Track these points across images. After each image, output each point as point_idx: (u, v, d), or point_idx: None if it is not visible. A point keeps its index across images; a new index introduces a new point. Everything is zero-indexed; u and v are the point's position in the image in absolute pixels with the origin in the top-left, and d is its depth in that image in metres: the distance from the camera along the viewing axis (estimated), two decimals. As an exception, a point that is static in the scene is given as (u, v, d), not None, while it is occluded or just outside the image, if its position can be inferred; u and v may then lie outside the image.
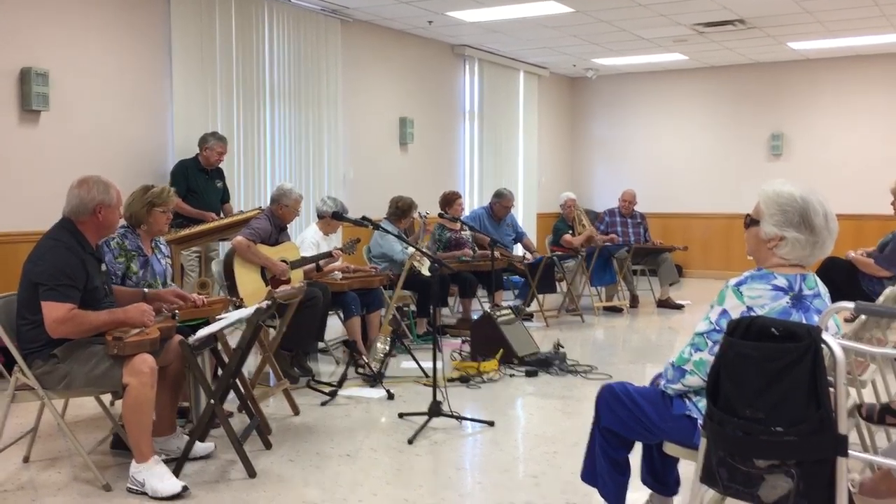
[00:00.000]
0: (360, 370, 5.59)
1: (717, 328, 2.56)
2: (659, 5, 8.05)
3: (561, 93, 12.77)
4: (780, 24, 8.95)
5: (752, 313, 2.50)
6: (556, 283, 8.49)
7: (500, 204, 8.41)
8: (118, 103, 6.47)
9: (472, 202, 10.28)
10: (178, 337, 3.76)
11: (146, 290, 4.03)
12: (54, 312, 3.43)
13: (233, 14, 7.29)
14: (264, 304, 3.94)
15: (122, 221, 4.12)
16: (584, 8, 8.15)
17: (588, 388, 5.33)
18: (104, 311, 3.57)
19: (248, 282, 5.45)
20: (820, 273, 2.87)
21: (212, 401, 3.74)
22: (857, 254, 6.03)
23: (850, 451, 2.17)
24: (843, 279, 5.84)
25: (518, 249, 8.74)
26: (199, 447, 3.87)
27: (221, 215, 6.57)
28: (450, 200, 7.81)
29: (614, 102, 12.70)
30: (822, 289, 2.65)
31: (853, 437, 2.81)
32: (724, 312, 2.57)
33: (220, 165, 6.81)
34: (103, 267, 3.76)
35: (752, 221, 2.68)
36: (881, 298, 4.07)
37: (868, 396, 3.62)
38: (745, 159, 11.60)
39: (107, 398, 4.20)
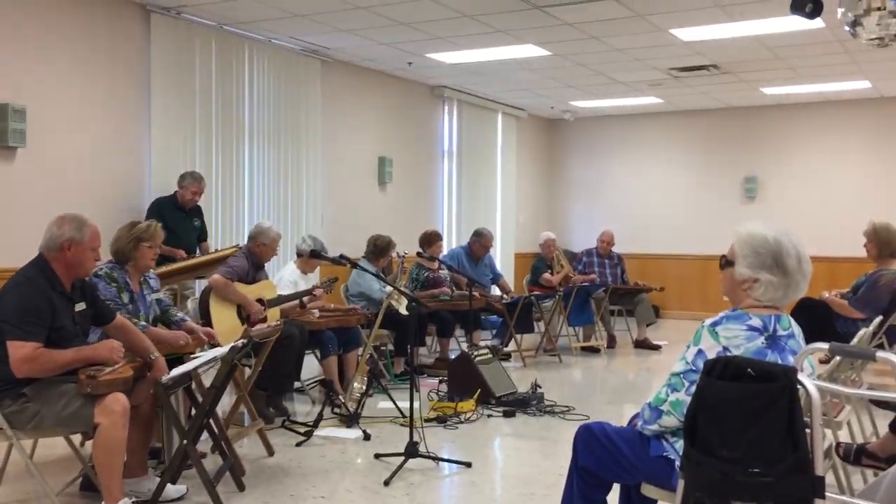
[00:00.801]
0: (337, 410, 5.54)
1: (694, 368, 2.57)
2: (634, 50, 8.20)
3: (539, 134, 12.91)
4: (753, 70, 9.14)
5: (728, 353, 2.51)
6: (534, 323, 8.49)
7: (480, 243, 8.43)
8: (96, 140, 6.46)
9: (451, 241, 10.30)
10: (152, 375, 3.71)
11: (154, 355, 3.87)
12: (19, 351, 3.36)
13: (213, 52, 7.33)
14: (240, 342, 3.91)
15: (108, 258, 4.13)
16: (562, 52, 8.28)
17: (566, 429, 5.31)
18: (71, 349, 3.51)
19: (224, 319, 5.39)
20: (795, 314, 2.89)
21: (184, 441, 3.68)
22: (831, 295, 6.09)
23: (827, 493, 2.17)
24: (818, 320, 5.88)
25: (495, 290, 8.75)
26: (171, 489, 3.79)
27: (198, 253, 6.53)
28: (430, 240, 7.82)
29: (592, 144, 12.85)
30: (797, 329, 2.67)
31: (830, 479, 2.81)
32: (700, 352, 2.58)
33: (199, 203, 6.78)
34: (79, 307, 3.68)
35: (727, 263, 2.71)
36: (855, 340, 4.11)
37: (844, 438, 3.63)
38: (720, 202, 11.75)
39: (77, 438, 4.12)
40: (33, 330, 3.39)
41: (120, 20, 6.60)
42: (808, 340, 2.60)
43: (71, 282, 3.65)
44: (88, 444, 3.93)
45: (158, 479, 3.70)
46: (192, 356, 3.97)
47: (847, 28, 4.93)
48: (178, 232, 6.50)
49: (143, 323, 4.22)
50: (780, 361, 2.51)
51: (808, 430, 2.20)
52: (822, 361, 4.20)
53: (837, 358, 3.60)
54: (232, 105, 7.54)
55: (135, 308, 4.25)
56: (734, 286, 2.68)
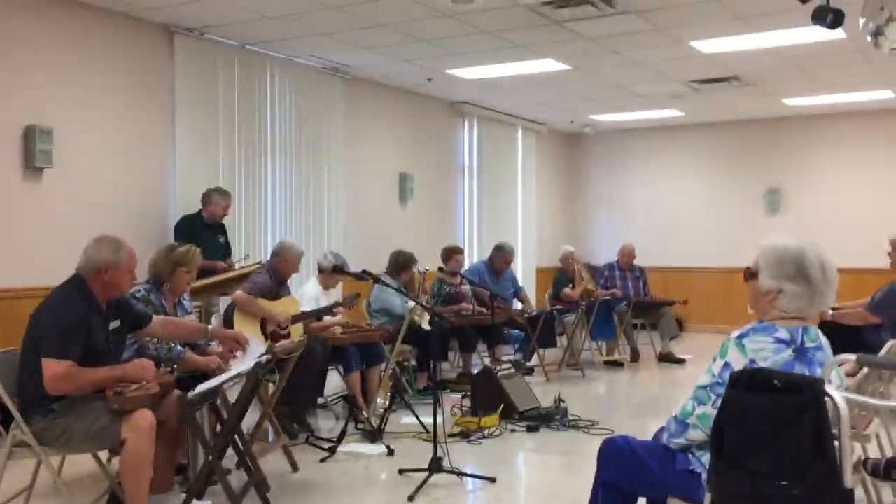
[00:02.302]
0: (360, 425, 5.54)
1: (720, 381, 2.55)
2: (654, 63, 8.19)
3: (559, 148, 12.90)
4: (774, 81, 9.09)
5: (755, 366, 2.49)
6: (557, 338, 8.46)
7: (501, 257, 8.41)
8: (122, 159, 6.54)
9: (472, 256, 10.30)
10: (178, 392, 3.74)
11: (210, 326, 4.11)
12: (53, 369, 3.40)
13: (236, 71, 7.42)
14: (264, 358, 3.93)
15: (145, 277, 4.27)
16: (581, 66, 8.29)
17: (590, 444, 5.27)
18: (104, 368, 3.55)
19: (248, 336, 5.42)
20: (822, 327, 2.87)
21: (210, 457, 3.70)
22: (841, 307, 6.04)
23: (856, 506, 2.15)
24: (846, 333, 5.82)
25: (517, 305, 8.74)
26: (197, 505, 3.81)
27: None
28: (449, 254, 7.84)
29: (612, 158, 12.82)
30: (824, 341, 2.64)
31: (859, 493, 2.78)
32: (727, 365, 2.56)
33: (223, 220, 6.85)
34: (113, 325, 3.73)
35: (751, 275, 2.70)
36: (883, 351, 4.06)
37: (872, 451, 3.58)
38: (743, 214, 11.67)
39: (104, 455, 4.15)
40: (69, 348, 3.43)
41: (144, 41, 6.70)
42: (837, 353, 2.58)
43: (107, 301, 3.70)
44: (115, 460, 3.96)
45: (184, 496, 3.72)
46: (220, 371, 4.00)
47: (869, 38, 4.91)
48: (205, 249, 6.53)
49: (179, 348, 4.27)
50: (807, 374, 2.49)
51: (836, 443, 2.18)
52: (849, 374, 4.16)
53: (865, 370, 3.56)
54: (255, 123, 7.62)
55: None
56: (759, 298, 2.66)
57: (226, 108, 7.32)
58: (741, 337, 2.58)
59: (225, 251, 6.89)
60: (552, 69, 8.40)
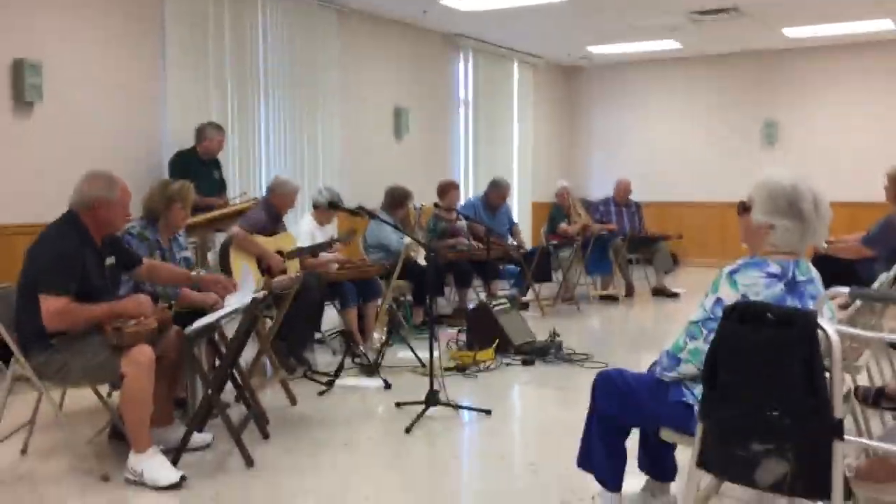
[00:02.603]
0: (357, 360, 5.60)
1: (712, 316, 2.57)
2: (653, -7, 8.04)
3: (556, 82, 12.75)
4: (774, 11, 8.94)
5: (747, 300, 2.51)
6: (552, 273, 8.50)
7: (496, 193, 8.38)
8: (112, 94, 6.45)
9: (468, 191, 10.27)
10: (176, 327, 3.76)
11: (193, 273, 4.14)
12: (51, 305, 3.42)
13: (226, 4, 7.26)
14: (260, 293, 3.95)
15: (139, 214, 4.30)
16: (579, -4, 8.14)
17: (584, 377, 5.33)
18: (101, 303, 3.56)
19: (245, 272, 5.44)
20: (815, 262, 2.88)
21: (209, 391, 3.75)
22: (836, 240, 6.04)
23: (845, 436, 2.19)
24: (840, 266, 5.85)
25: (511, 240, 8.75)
26: (198, 437, 3.87)
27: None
28: (445, 190, 7.81)
29: (609, 92, 12.69)
30: (816, 274, 2.66)
31: (848, 423, 2.82)
32: (719, 300, 2.57)
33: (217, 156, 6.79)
34: (108, 261, 3.73)
35: (744, 209, 2.70)
36: (876, 284, 4.09)
37: (863, 382, 3.64)
38: (739, 147, 11.61)
39: (104, 389, 4.20)
40: (66, 284, 3.45)
41: (132, -28, 6.55)
42: (830, 287, 2.59)
43: (101, 237, 3.70)
44: (116, 394, 4.00)
45: (185, 429, 3.77)
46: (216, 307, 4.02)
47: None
48: (200, 184, 6.50)
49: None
50: (799, 307, 2.51)
51: (827, 374, 2.21)
52: (842, 307, 4.19)
53: (858, 303, 3.58)
54: (247, 58, 7.48)
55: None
56: (751, 232, 2.67)
57: (216, 44, 7.18)
58: (733, 272, 2.59)
59: (220, 187, 6.85)
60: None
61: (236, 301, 3.99)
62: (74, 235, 3.56)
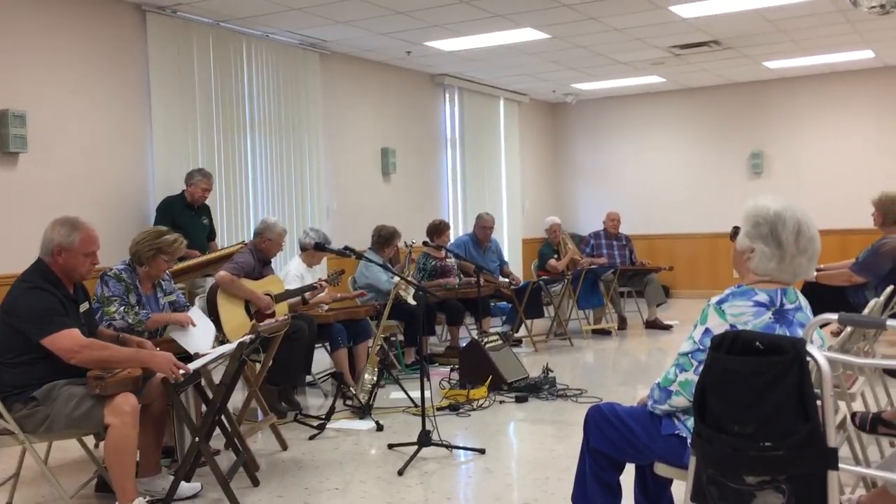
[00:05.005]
0: (349, 402, 5.54)
1: (701, 347, 2.54)
2: (634, 29, 8.13)
3: (542, 118, 12.84)
4: (755, 44, 9.05)
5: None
6: (544, 308, 8.47)
7: (479, 225, 8.36)
8: (98, 142, 6.45)
9: (457, 230, 10.27)
10: (160, 374, 3.71)
11: (120, 335, 3.96)
12: (65, 341, 3.37)
13: (210, 49, 7.31)
14: (247, 338, 3.91)
15: (125, 258, 4.29)
16: (561, 34, 8.22)
17: (579, 412, 5.27)
18: (130, 348, 3.53)
19: (233, 317, 5.40)
20: (806, 290, 2.86)
21: (197, 439, 3.68)
22: (825, 267, 6.06)
23: (841, 465, 2.15)
24: (830, 294, 5.86)
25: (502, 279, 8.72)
26: (186, 487, 3.80)
27: (207, 253, 6.51)
28: (440, 230, 7.80)
29: (595, 126, 12.78)
30: (804, 302, 2.64)
31: (845, 451, 2.78)
32: (708, 331, 2.55)
33: (206, 202, 6.77)
34: (83, 307, 3.70)
35: (735, 233, 2.71)
36: (867, 310, 4.08)
37: (858, 409, 3.60)
38: (727, 178, 11.67)
39: (90, 441, 4.13)
40: (63, 321, 3.40)
41: (116, 21, 6.59)
42: (821, 314, 2.56)
43: (72, 283, 3.65)
44: (102, 445, 3.93)
45: (172, 478, 3.70)
46: (202, 354, 3.96)
47: (847, -3, 4.87)
48: (189, 231, 6.46)
49: (144, 311, 4.24)
50: (788, 335, 2.49)
51: (819, 402, 2.18)
52: (834, 334, 4.17)
53: (849, 329, 3.57)
54: (232, 101, 7.52)
55: (141, 309, 4.25)
56: (736, 256, 2.69)
57: (202, 88, 7.21)
58: (720, 302, 2.58)
59: (209, 234, 6.83)
60: (532, 38, 8.33)
61: (198, 341, 3.95)
62: (46, 283, 3.51)
